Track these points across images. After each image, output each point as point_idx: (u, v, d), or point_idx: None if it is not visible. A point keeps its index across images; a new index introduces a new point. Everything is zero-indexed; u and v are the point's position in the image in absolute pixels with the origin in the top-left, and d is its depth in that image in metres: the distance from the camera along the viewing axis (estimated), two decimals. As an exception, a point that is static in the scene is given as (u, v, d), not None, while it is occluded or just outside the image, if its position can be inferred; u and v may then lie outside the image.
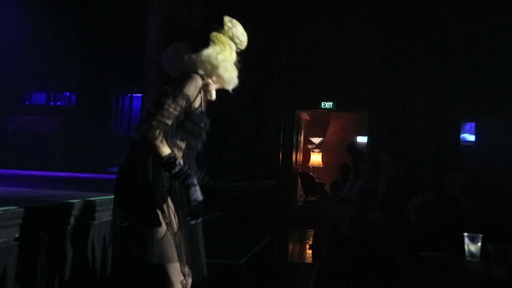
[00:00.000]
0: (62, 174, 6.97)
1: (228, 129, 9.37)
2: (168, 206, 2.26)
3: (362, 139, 13.54)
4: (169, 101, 2.18)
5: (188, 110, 2.25)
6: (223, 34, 2.38)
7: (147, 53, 6.02)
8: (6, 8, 8.62)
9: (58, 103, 9.79)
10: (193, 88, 2.24)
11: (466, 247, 2.95)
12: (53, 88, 9.53)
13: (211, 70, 2.31)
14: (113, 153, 9.00)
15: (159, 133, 2.14)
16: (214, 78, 2.35)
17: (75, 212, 2.88)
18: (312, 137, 15.07)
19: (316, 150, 14.90)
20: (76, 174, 6.93)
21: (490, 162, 9.70)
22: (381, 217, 5.77)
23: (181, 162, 2.29)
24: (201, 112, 2.32)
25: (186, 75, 2.28)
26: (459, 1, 10.55)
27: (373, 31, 11.10)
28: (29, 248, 2.53)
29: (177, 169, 2.17)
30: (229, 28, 2.38)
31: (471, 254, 2.94)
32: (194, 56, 2.31)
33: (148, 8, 7.50)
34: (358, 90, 11.25)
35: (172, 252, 2.25)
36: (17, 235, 2.43)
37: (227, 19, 2.41)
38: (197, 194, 2.21)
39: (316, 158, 14.74)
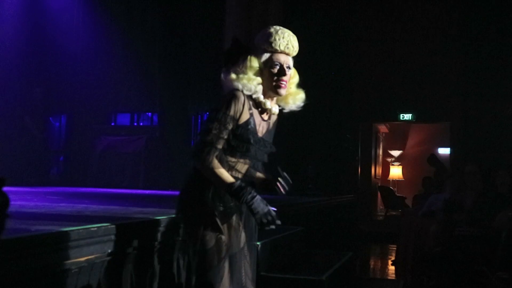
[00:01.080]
0: (147, 191, 7.26)
1: (306, 144, 9.36)
2: (230, 227, 2.26)
3: (443, 151, 13.05)
4: (215, 125, 2.22)
5: (234, 128, 2.25)
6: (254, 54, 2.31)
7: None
8: (91, 36, 9.16)
9: (141, 123, 10.17)
10: (234, 106, 2.23)
11: None
12: (136, 109, 9.93)
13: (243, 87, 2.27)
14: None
15: (213, 158, 2.19)
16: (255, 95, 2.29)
17: (161, 228, 2.99)
18: (391, 150, 14.73)
19: (395, 163, 14.53)
20: (160, 192, 7.19)
21: None
22: (468, 231, 5.51)
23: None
24: (249, 128, 2.27)
25: (226, 95, 2.28)
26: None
27: (453, 38, 10.73)
28: (120, 262, 2.65)
29: (248, 196, 2.16)
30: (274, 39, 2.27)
31: None
32: (228, 76, 2.29)
33: (225, 28, 7.71)
34: (438, 100, 10.87)
35: (225, 276, 2.20)
36: (109, 251, 2.56)
37: (272, 29, 2.31)
38: (261, 206, 2.17)
39: (396, 171, 14.38)
